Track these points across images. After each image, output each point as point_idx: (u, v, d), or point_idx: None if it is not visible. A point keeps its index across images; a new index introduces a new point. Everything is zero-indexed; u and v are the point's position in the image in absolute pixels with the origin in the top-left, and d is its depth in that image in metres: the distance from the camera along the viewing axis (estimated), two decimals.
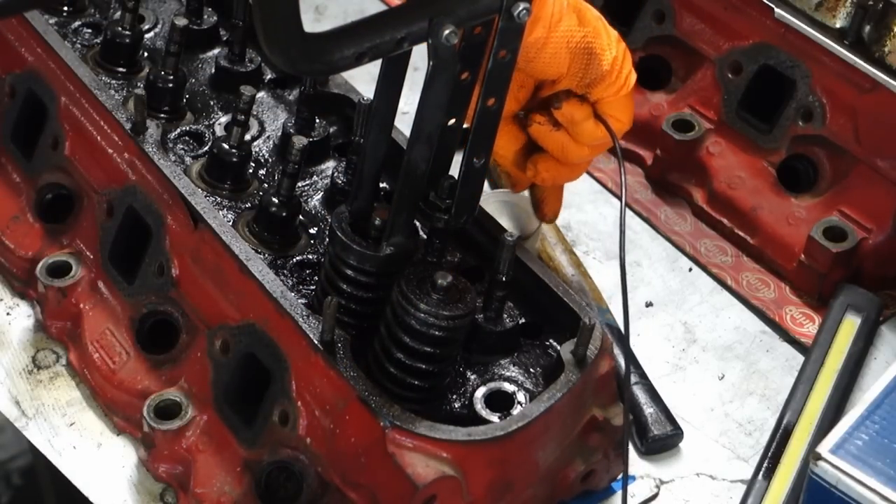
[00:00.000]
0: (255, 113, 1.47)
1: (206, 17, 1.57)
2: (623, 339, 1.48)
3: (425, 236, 1.29)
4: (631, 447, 1.38)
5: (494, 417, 1.20)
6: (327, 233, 1.25)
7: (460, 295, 1.18)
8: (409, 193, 1.19)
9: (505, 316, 1.27)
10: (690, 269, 1.60)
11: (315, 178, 1.43)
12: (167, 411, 1.29)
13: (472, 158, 1.20)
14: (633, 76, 1.29)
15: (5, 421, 1.38)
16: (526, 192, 1.62)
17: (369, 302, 1.23)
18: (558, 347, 1.25)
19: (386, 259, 1.20)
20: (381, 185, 1.39)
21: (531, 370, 1.27)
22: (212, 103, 1.50)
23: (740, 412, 1.45)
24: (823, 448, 1.16)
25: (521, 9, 1.11)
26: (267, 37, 0.99)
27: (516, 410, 1.21)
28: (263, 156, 1.44)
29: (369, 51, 1.05)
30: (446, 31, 1.07)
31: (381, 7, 1.92)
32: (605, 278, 1.57)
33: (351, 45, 1.04)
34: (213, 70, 1.53)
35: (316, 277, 1.30)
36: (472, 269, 1.34)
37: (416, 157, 1.17)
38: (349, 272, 1.22)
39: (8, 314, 1.46)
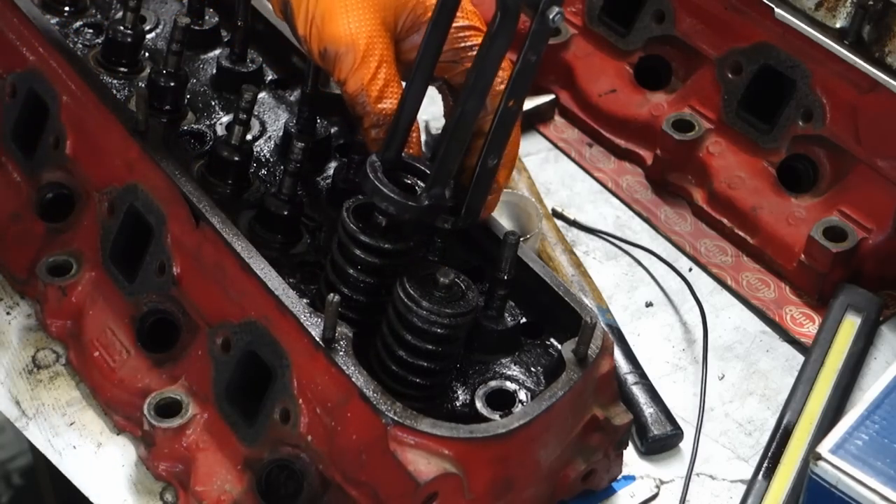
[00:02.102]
0: (256, 113, 1.48)
1: (207, 17, 1.58)
2: (623, 339, 1.48)
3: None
4: (631, 447, 1.38)
5: (496, 416, 1.21)
6: (361, 176, 1.23)
7: (462, 293, 1.18)
8: (457, 144, 1.19)
9: (506, 315, 1.27)
10: (690, 269, 1.60)
11: (316, 177, 1.43)
12: (168, 409, 1.29)
13: (487, 159, 1.21)
14: None
15: (5, 421, 1.38)
16: (527, 192, 1.63)
17: (379, 273, 1.23)
18: (559, 347, 1.26)
19: (427, 209, 1.19)
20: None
21: (532, 369, 1.27)
22: (213, 103, 1.50)
23: (740, 412, 1.45)
24: (823, 448, 1.16)
25: (555, 13, 1.12)
26: None
27: (518, 409, 1.21)
28: (265, 155, 1.45)
29: None
30: None
31: None
32: (605, 278, 1.58)
33: None
34: (214, 70, 1.53)
35: (317, 277, 1.31)
36: (473, 269, 1.34)
37: (469, 109, 1.17)
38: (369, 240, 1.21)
39: (8, 313, 1.46)
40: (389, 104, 1.24)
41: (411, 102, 1.21)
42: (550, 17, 1.12)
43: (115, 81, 1.49)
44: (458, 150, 1.19)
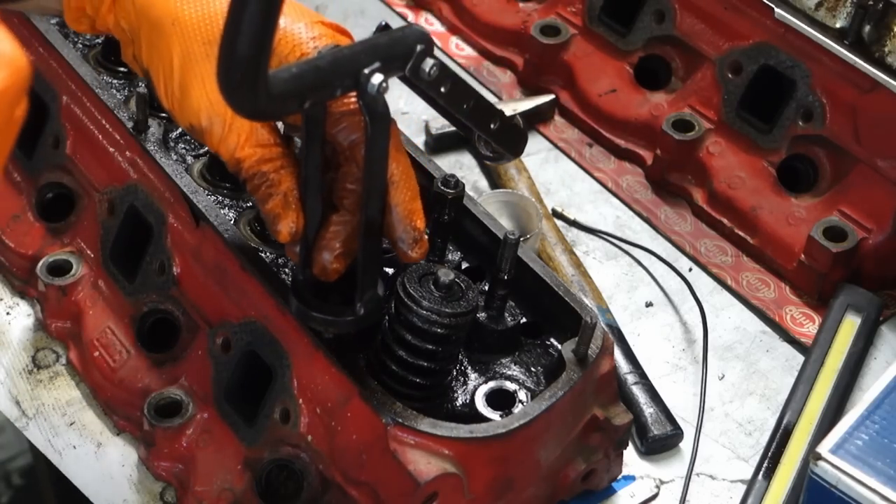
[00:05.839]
0: None
1: None
2: (623, 339, 1.48)
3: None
4: (631, 447, 1.38)
5: (496, 416, 1.20)
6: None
7: (462, 292, 1.18)
8: (372, 247, 1.14)
9: (506, 315, 1.27)
10: (690, 269, 1.60)
11: None
12: (168, 409, 1.29)
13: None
14: None
15: (5, 421, 1.38)
16: (527, 192, 1.63)
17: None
18: (559, 347, 1.26)
19: (363, 319, 1.15)
20: None
21: (532, 369, 1.27)
22: None
23: (740, 412, 1.45)
24: (823, 448, 1.16)
25: (431, 65, 1.10)
26: (232, 72, 0.96)
27: (518, 409, 1.21)
28: None
29: (310, 99, 1.05)
30: (377, 81, 1.05)
31: (380, 6, 1.93)
32: (605, 278, 1.58)
33: (297, 96, 1.04)
34: None
35: None
36: (473, 269, 1.34)
37: (372, 214, 1.12)
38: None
39: (8, 313, 1.46)
40: (271, 167, 1.13)
41: (312, 214, 1.14)
42: (426, 69, 1.10)
43: (115, 81, 1.49)
44: (376, 251, 1.14)
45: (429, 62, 1.10)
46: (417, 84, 1.12)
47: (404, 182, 1.14)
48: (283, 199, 1.12)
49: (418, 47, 1.09)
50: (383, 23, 1.15)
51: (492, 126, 1.21)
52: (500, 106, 1.74)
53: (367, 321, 1.16)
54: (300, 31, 1.13)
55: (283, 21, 1.11)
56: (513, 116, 1.23)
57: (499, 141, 1.23)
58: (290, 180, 1.13)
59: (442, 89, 1.14)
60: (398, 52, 1.09)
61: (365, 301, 1.15)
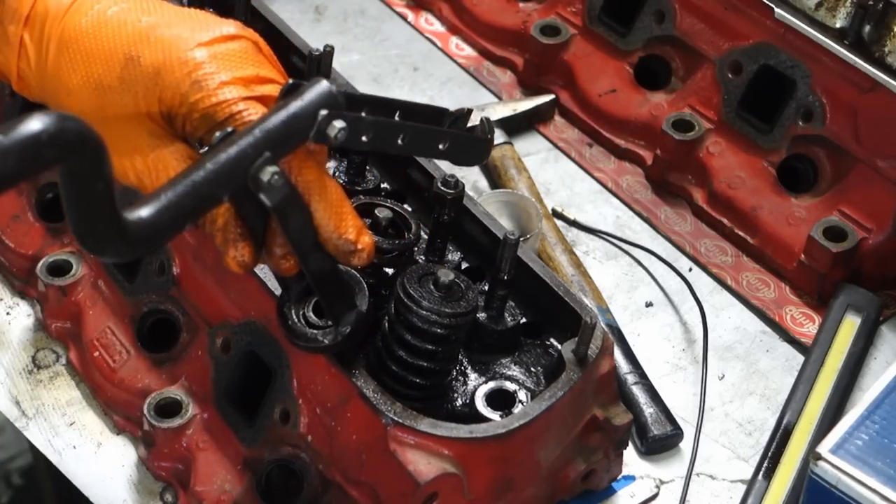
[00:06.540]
0: None
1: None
2: (623, 339, 1.48)
3: (426, 235, 1.30)
4: (631, 447, 1.38)
5: (496, 416, 1.20)
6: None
7: (462, 293, 1.18)
8: (328, 291, 1.10)
9: (506, 315, 1.27)
10: (690, 269, 1.60)
11: None
12: (168, 409, 1.29)
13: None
14: None
15: (5, 421, 1.38)
16: (527, 192, 1.63)
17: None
18: (559, 347, 1.25)
19: (346, 340, 1.14)
20: (384, 184, 1.39)
21: (532, 369, 1.27)
22: None
23: (740, 412, 1.45)
24: (823, 448, 1.16)
25: (337, 129, 1.00)
26: (85, 241, 0.91)
27: (518, 409, 1.21)
28: None
29: (192, 221, 0.99)
30: (267, 177, 0.98)
31: (380, 6, 1.93)
32: (605, 278, 1.58)
33: (173, 227, 0.96)
34: None
35: None
36: (473, 269, 1.34)
37: (313, 269, 1.08)
38: None
39: (8, 313, 1.46)
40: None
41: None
42: (332, 135, 0.99)
43: None
44: (333, 292, 1.11)
45: (335, 127, 0.99)
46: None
47: (318, 197, 1.06)
48: (222, 234, 1.07)
49: (320, 114, 0.99)
50: (290, 83, 1.03)
51: (441, 147, 1.10)
52: (499, 106, 1.76)
53: (353, 339, 1.13)
54: (182, 47, 1.06)
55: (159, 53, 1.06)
56: (471, 128, 1.13)
57: (454, 159, 1.13)
58: (225, 214, 1.07)
59: (364, 139, 1.03)
60: (295, 128, 0.99)
61: (345, 323, 1.12)
